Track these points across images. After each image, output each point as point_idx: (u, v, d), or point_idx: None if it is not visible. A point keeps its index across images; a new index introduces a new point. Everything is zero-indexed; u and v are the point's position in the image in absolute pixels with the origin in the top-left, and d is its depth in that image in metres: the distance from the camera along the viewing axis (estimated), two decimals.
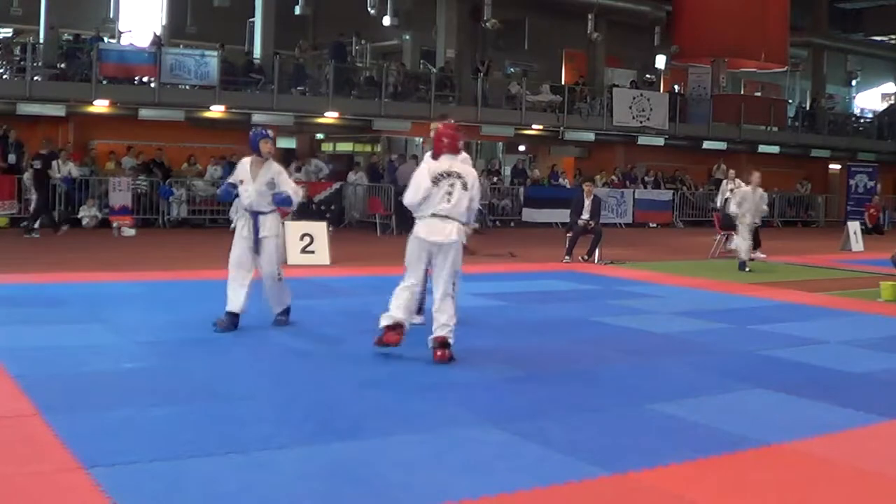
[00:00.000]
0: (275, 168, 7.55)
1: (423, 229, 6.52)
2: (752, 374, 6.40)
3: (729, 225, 16.54)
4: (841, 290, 11.87)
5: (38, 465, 3.97)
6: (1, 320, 7.37)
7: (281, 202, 7.49)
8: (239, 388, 5.50)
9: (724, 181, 20.64)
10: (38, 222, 16.07)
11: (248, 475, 3.96)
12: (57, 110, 18.90)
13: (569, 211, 14.62)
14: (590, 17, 26.77)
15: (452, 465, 4.20)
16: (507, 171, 25.78)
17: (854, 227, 19.50)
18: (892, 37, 37.34)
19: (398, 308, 6.57)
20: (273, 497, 3.72)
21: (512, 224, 23.29)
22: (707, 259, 15.92)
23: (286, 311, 7.75)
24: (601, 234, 14.16)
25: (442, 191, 6.49)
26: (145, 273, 10.97)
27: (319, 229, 12.77)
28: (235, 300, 7.37)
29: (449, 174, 6.54)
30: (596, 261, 14.02)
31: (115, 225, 16.88)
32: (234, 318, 7.38)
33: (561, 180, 24.80)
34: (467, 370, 6.32)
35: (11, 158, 18.18)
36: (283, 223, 8.16)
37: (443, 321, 6.46)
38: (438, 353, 6.45)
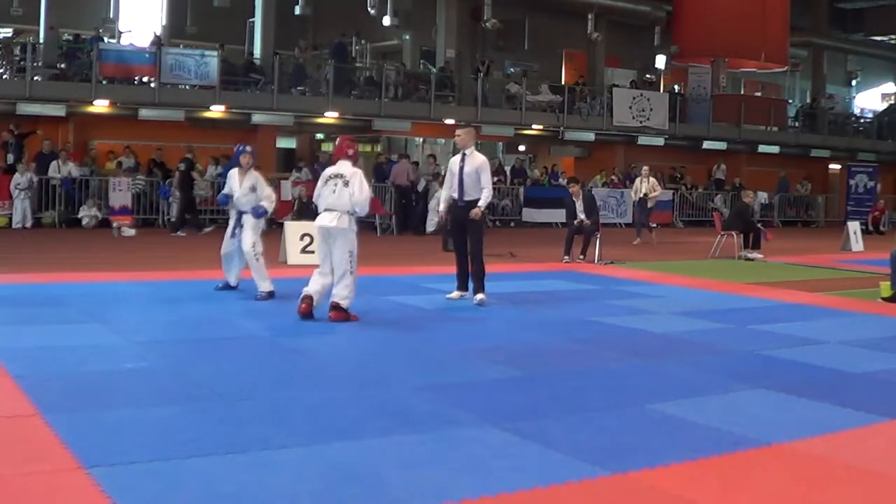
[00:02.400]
0: (253, 175, 9.26)
1: (318, 219, 8.12)
2: (752, 374, 6.39)
3: (729, 225, 16.55)
4: (841, 290, 11.86)
5: (38, 465, 3.96)
6: (1, 320, 7.37)
7: (258, 215, 9.18)
8: (239, 388, 5.49)
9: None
10: (184, 223, 17.31)
11: (248, 475, 3.95)
12: (57, 110, 18.91)
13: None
14: (590, 17, 26.79)
15: (452, 465, 4.19)
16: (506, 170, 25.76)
17: (854, 227, 19.48)
18: (892, 37, 37.33)
19: (310, 287, 7.97)
20: (273, 497, 3.72)
21: (512, 224, 23.29)
22: (707, 259, 15.92)
23: (268, 290, 9.03)
24: (592, 233, 14.15)
25: (329, 188, 8.04)
26: (145, 273, 10.98)
27: None
28: (228, 275, 9.47)
29: (336, 175, 8.07)
30: (596, 260, 14.03)
31: (115, 225, 16.88)
32: (228, 286, 9.46)
33: (561, 180, 24.79)
34: (467, 370, 6.33)
35: (10, 158, 18.18)
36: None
37: (337, 290, 7.88)
38: (331, 314, 7.84)
